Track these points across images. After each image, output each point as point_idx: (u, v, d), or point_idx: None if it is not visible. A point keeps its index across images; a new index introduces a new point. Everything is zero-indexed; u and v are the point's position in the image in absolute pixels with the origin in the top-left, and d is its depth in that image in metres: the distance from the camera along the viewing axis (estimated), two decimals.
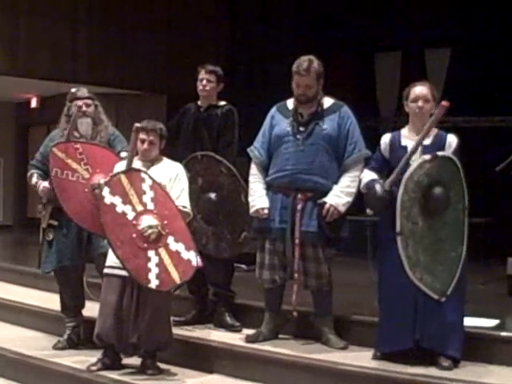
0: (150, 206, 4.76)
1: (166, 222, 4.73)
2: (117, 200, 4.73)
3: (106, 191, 4.74)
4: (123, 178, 4.80)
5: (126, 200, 4.74)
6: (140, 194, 4.77)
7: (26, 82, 11.33)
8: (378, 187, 4.63)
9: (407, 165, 4.57)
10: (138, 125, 4.91)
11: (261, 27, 11.89)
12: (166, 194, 4.83)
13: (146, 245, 4.67)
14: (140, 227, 4.69)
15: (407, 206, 4.51)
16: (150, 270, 4.62)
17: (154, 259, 4.66)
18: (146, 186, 4.79)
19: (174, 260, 4.67)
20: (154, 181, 4.82)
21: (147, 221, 4.70)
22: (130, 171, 4.86)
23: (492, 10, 10.21)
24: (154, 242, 4.68)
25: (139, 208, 4.74)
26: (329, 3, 11.50)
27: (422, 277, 4.51)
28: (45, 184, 5.28)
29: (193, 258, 4.70)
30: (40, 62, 10.84)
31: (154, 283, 4.62)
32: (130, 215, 4.72)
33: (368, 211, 4.75)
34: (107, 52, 11.17)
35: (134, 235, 4.68)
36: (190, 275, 4.73)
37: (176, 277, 4.66)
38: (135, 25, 11.45)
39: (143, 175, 4.83)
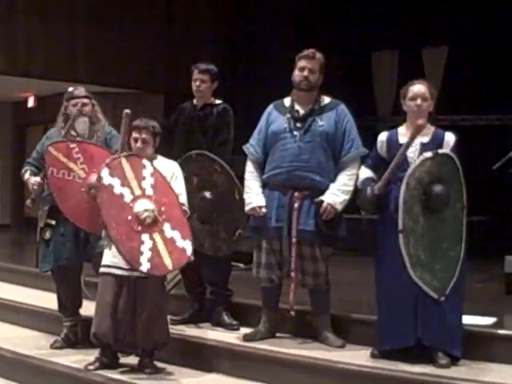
0: (149, 191, 4.75)
1: (163, 208, 4.72)
2: (115, 182, 4.72)
3: (105, 172, 4.73)
4: (124, 161, 4.79)
5: (125, 183, 4.73)
6: (140, 179, 4.76)
7: (24, 81, 11.32)
8: (368, 190, 4.71)
9: (401, 166, 4.59)
10: (127, 111, 4.89)
11: (261, 27, 11.90)
12: (166, 182, 4.82)
13: (140, 228, 4.65)
14: (136, 210, 4.67)
15: (409, 203, 4.52)
16: (142, 253, 4.60)
17: (148, 243, 4.63)
18: (146, 173, 4.79)
19: (168, 246, 4.65)
20: (155, 169, 4.82)
21: (144, 204, 4.69)
22: (131, 156, 4.86)
23: (489, 9, 10.22)
24: (150, 226, 4.66)
25: (137, 192, 4.73)
26: (327, 3, 11.52)
27: (422, 275, 4.51)
28: (36, 179, 5.27)
29: (188, 247, 4.69)
30: (38, 62, 10.83)
31: (145, 266, 4.58)
32: (128, 198, 4.71)
33: (362, 212, 4.79)
34: (105, 51, 11.15)
35: (130, 217, 4.66)
36: (183, 263, 4.73)
37: (168, 263, 4.63)
38: (133, 24, 11.43)
39: (144, 162, 4.83)
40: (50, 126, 5.76)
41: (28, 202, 5.37)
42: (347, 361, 4.63)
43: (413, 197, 4.52)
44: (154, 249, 4.62)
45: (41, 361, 5.21)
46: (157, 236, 4.66)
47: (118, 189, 4.71)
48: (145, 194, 4.74)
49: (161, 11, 11.81)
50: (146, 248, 4.61)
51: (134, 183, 4.74)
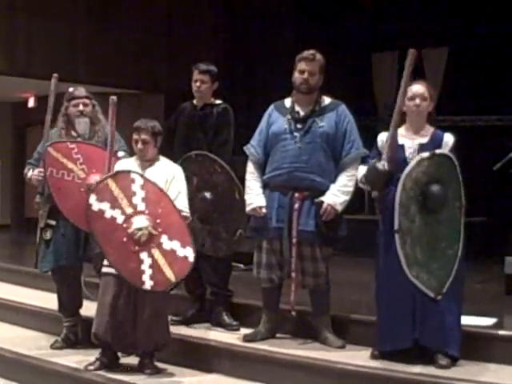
0: (141, 206, 4.73)
1: (158, 220, 4.71)
2: (105, 206, 4.70)
3: (92, 198, 4.71)
4: (110, 181, 4.76)
5: (115, 204, 4.71)
6: (129, 195, 4.73)
7: (24, 81, 11.31)
8: (378, 164, 4.63)
9: (400, 167, 4.59)
10: (113, 97, 4.92)
11: (261, 26, 11.90)
12: (159, 190, 4.79)
13: (137, 247, 4.66)
14: (130, 230, 4.67)
15: (405, 203, 4.52)
16: (143, 271, 4.63)
17: (147, 261, 4.65)
18: (136, 187, 4.75)
19: (168, 259, 4.65)
20: (145, 179, 4.78)
21: (137, 223, 4.68)
22: (117, 174, 4.83)
23: (490, 10, 10.22)
24: (146, 243, 4.66)
25: (129, 210, 4.71)
26: (327, 3, 11.51)
27: (418, 275, 4.52)
28: (37, 169, 5.26)
29: (189, 254, 4.69)
30: (38, 62, 10.82)
31: (148, 284, 4.63)
32: (120, 219, 4.70)
33: (373, 194, 4.74)
34: (105, 51, 11.15)
35: (125, 239, 4.67)
36: (187, 272, 4.74)
37: (171, 275, 4.65)
38: (134, 24, 11.43)
39: (133, 175, 4.80)
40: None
41: (37, 198, 5.36)
42: (347, 361, 4.63)
43: (409, 197, 4.52)
44: (155, 265, 4.64)
45: (41, 361, 5.21)
46: (155, 251, 4.67)
47: (108, 212, 4.69)
48: (137, 211, 4.72)
49: (161, 11, 11.80)
50: (146, 266, 4.64)
51: (124, 202, 4.71)
